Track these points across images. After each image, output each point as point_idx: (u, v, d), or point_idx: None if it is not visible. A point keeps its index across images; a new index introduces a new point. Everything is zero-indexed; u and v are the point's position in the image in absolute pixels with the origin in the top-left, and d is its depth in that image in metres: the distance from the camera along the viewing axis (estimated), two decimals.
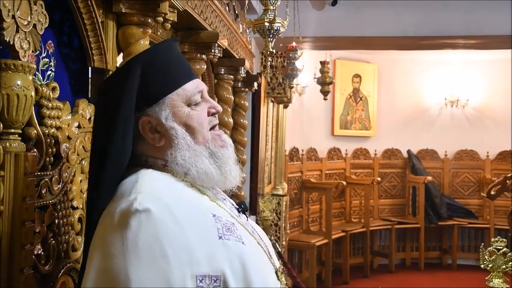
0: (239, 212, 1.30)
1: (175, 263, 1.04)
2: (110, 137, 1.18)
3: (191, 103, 1.24)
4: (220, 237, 1.12)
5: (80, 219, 1.53)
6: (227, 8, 3.28)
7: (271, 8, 2.44)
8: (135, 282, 1.01)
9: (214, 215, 1.16)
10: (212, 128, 1.28)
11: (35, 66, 1.26)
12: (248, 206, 4.74)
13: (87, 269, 1.09)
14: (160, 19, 1.78)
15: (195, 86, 1.26)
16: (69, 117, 1.49)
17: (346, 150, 7.70)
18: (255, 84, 3.96)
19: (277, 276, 1.25)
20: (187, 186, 1.22)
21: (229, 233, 1.14)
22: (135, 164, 1.23)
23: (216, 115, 1.31)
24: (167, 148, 1.21)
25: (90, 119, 1.60)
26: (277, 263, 1.28)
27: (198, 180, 1.23)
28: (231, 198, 1.40)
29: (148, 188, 1.13)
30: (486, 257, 1.77)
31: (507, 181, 4.58)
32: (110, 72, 1.68)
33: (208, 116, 1.27)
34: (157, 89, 1.21)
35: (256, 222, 4.81)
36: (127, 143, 1.19)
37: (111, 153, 1.17)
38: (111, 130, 1.18)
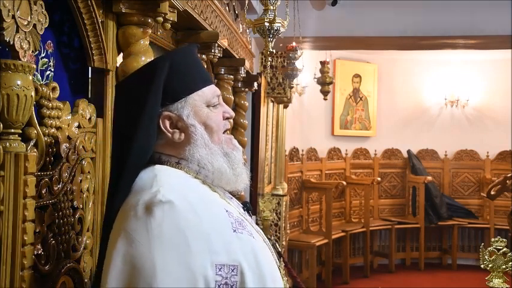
0: (244, 211, 1.35)
1: (197, 251, 1.09)
2: (133, 132, 1.22)
3: (210, 105, 1.31)
4: (234, 231, 1.17)
5: (80, 219, 1.53)
6: (227, 8, 3.28)
7: (271, 8, 2.44)
8: (160, 268, 1.06)
9: (227, 211, 1.22)
10: (224, 132, 1.35)
11: (35, 66, 1.26)
12: (250, 204, 4.75)
13: (110, 258, 1.12)
14: (160, 19, 1.78)
15: (214, 90, 1.33)
16: (69, 117, 1.49)
17: (346, 150, 7.70)
18: (255, 84, 3.96)
19: (280, 272, 1.29)
20: (200, 183, 1.27)
21: (242, 227, 1.20)
22: (148, 161, 1.26)
23: (229, 120, 1.37)
24: (185, 144, 1.27)
25: (90, 119, 1.60)
26: (277, 260, 1.33)
27: (212, 178, 1.28)
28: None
29: (168, 182, 1.18)
30: (486, 257, 1.77)
31: (507, 181, 4.58)
32: (110, 72, 1.68)
33: (223, 119, 1.34)
34: (181, 87, 1.28)
35: (256, 223, 4.82)
36: (151, 137, 1.24)
37: (134, 146, 1.21)
38: (135, 125, 1.22)
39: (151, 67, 1.31)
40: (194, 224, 1.12)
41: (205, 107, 1.30)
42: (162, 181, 1.19)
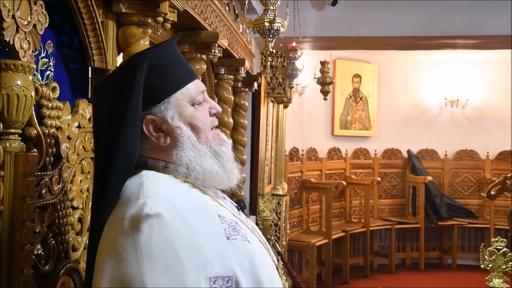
0: (238, 210, 1.31)
1: (189, 266, 1.04)
2: (117, 140, 1.16)
3: (195, 103, 1.24)
4: (228, 238, 1.12)
5: (80, 219, 1.53)
6: (227, 8, 3.28)
7: (271, 8, 2.44)
8: None
9: (219, 215, 1.17)
10: (212, 128, 1.29)
11: (35, 66, 1.26)
12: (248, 206, 4.73)
13: (98, 278, 1.07)
14: (160, 19, 1.78)
15: (198, 86, 1.26)
16: (69, 117, 1.49)
17: (346, 150, 7.70)
18: (255, 84, 3.96)
19: (278, 272, 1.26)
20: (190, 187, 1.22)
21: (235, 232, 1.15)
22: (134, 166, 1.21)
23: (217, 115, 1.31)
24: (172, 148, 1.21)
25: (90, 119, 1.60)
26: (275, 259, 1.30)
27: (202, 180, 1.23)
28: (230, 198, 1.40)
29: (155, 191, 1.12)
30: (486, 257, 1.77)
31: (507, 181, 4.57)
32: (110, 72, 1.68)
33: (209, 116, 1.27)
34: (162, 87, 1.21)
35: (256, 223, 4.82)
36: (135, 145, 1.18)
37: (118, 157, 1.15)
38: (117, 132, 1.16)
39: (128, 69, 1.23)
40: (185, 236, 1.06)
41: (190, 106, 1.23)
42: (149, 190, 1.12)
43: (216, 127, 1.31)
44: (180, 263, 1.03)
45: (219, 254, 1.08)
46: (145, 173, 1.18)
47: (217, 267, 1.07)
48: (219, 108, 1.31)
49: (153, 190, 1.12)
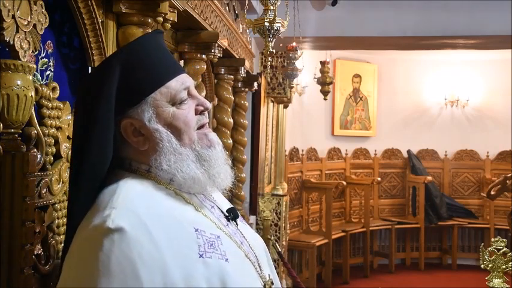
0: (228, 220, 1.22)
1: (148, 285, 0.98)
2: (88, 141, 1.11)
3: (176, 102, 1.15)
4: (200, 255, 1.05)
5: None
6: (227, 8, 3.28)
7: (271, 8, 2.44)
8: None
9: (196, 230, 1.09)
10: (201, 127, 1.20)
11: (34, 66, 1.26)
12: (248, 206, 4.70)
13: (58, 285, 1.06)
14: (160, 19, 1.78)
15: (181, 83, 1.17)
16: (69, 117, 1.49)
17: (346, 150, 7.70)
18: (255, 84, 3.96)
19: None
20: (170, 195, 1.14)
21: (212, 249, 1.07)
22: (120, 167, 1.18)
23: (205, 113, 1.21)
24: (151, 153, 1.14)
25: None
26: (268, 276, 1.21)
27: (185, 187, 1.15)
28: (230, 199, 1.34)
29: (124, 202, 1.06)
30: (486, 257, 1.76)
31: (507, 181, 4.57)
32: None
33: (196, 114, 1.19)
34: (138, 88, 1.13)
35: (256, 223, 4.82)
36: (106, 148, 1.12)
37: (88, 158, 1.11)
38: (89, 134, 1.11)
39: (99, 70, 1.18)
40: (148, 252, 0.99)
41: (169, 105, 1.15)
42: (118, 200, 1.05)
43: (205, 126, 1.21)
44: (138, 280, 0.97)
45: (186, 273, 1.02)
46: (122, 181, 1.12)
47: (181, 286, 1.01)
48: (208, 105, 1.21)
49: (121, 200, 1.06)
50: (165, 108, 1.15)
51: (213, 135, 1.22)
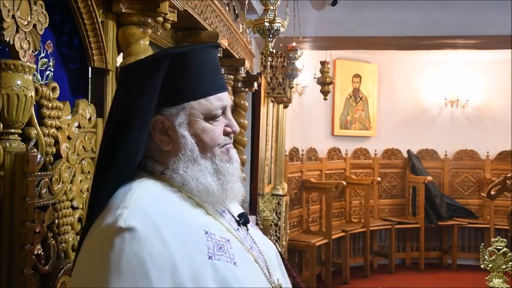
0: (239, 224, 1.24)
1: (157, 284, 1.00)
2: (126, 130, 1.12)
3: (210, 117, 1.17)
4: (210, 257, 1.07)
5: (80, 219, 1.53)
6: (227, 8, 3.28)
7: (271, 8, 2.44)
8: None
9: (206, 232, 1.11)
10: (223, 146, 1.22)
11: (34, 66, 1.26)
12: (248, 206, 4.69)
13: (69, 282, 1.09)
14: (160, 19, 1.78)
15: (220, 100, 1.19)
16: (69, 117, 1.49)
17: (346, 150, 7.70)
18: (255, 84, 3.96)
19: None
20: (182, 198, 1.15)
21: (221, 252, 1.09)
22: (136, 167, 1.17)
23: (232, 135, 1.24)
24: (172, 155, 1.16)
25: (90, 119, 1.60)
26: (277, 280, 1.22)
27: (198, 195, 1.17)
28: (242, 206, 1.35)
29: (136, 203, 1.07)
30: (486, 257, 1.77)
31: (507, 181, 4.57)
32: (110, 72, 1.68)
33: (223, 134, 1.21)
34: (182, 91, 1.15)
35: (256, 223, 4.82)
36: (139, 145, 1.13)
37: (125, 147, 1.12)
38: (126, 124, 1.12)
39: (150, 61, 1.20)
40: (158, 252, 1.01)
41: (202, 118, 1.17)
42: (131, 200, 1.07)
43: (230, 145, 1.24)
44: (148, 279, 0.99)
45: (194, 274, 1.03)
46: (137, 181, 1.13)
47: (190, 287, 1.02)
48: (237, 129, 1.24)
49: (134, 200, 1.07)
50: (198, 119, 1.17)
51: (234, 152, 1.25)
